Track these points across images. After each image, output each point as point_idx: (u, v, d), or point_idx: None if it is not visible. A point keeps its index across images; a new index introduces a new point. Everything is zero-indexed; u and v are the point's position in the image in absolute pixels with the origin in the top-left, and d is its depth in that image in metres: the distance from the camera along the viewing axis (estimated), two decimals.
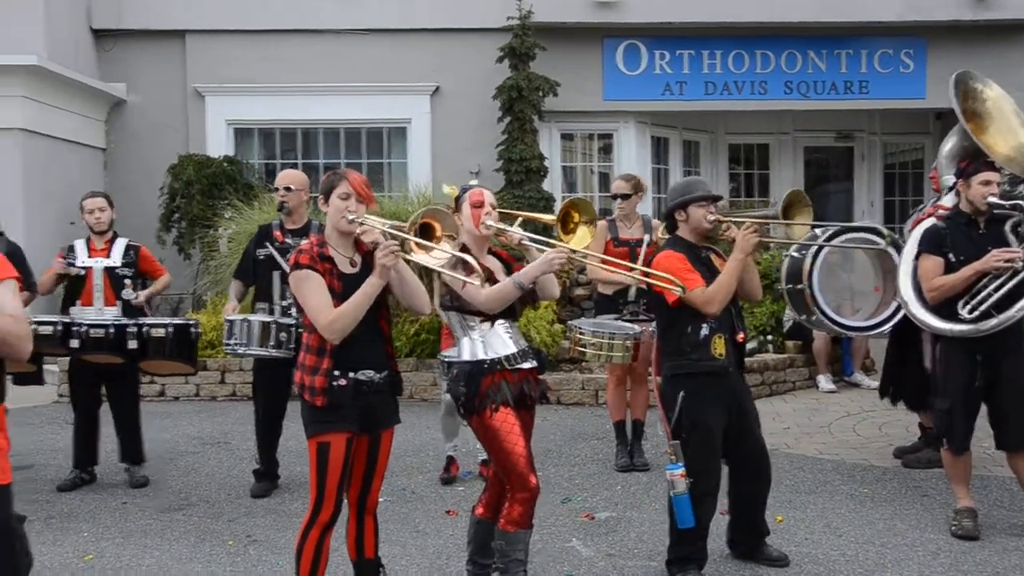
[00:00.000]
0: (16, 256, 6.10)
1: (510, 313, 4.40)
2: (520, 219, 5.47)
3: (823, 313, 6.45)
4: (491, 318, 4.30)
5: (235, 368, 10.06)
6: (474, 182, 5.34)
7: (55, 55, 12.11)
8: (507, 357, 4.32)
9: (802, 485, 6.62)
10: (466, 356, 4.35)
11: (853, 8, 12.78)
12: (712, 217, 4.90)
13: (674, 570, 4.88)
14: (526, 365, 4.40)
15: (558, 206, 9.32)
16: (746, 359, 5.63)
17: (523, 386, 4.39)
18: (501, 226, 4.46)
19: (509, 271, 4.47)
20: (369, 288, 3.93)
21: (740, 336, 4.97)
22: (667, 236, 5.15)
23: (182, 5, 13.31)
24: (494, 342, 4.33)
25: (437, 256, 4.02)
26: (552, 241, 4.51)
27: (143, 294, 6.95)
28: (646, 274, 4.88)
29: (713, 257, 5.01)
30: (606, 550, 5.42)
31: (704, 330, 4.78)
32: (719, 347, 4.81)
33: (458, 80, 13.31)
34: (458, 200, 4.51)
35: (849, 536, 5.58)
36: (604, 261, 6.17)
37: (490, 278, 4.31)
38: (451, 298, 4.30)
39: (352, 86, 13.29)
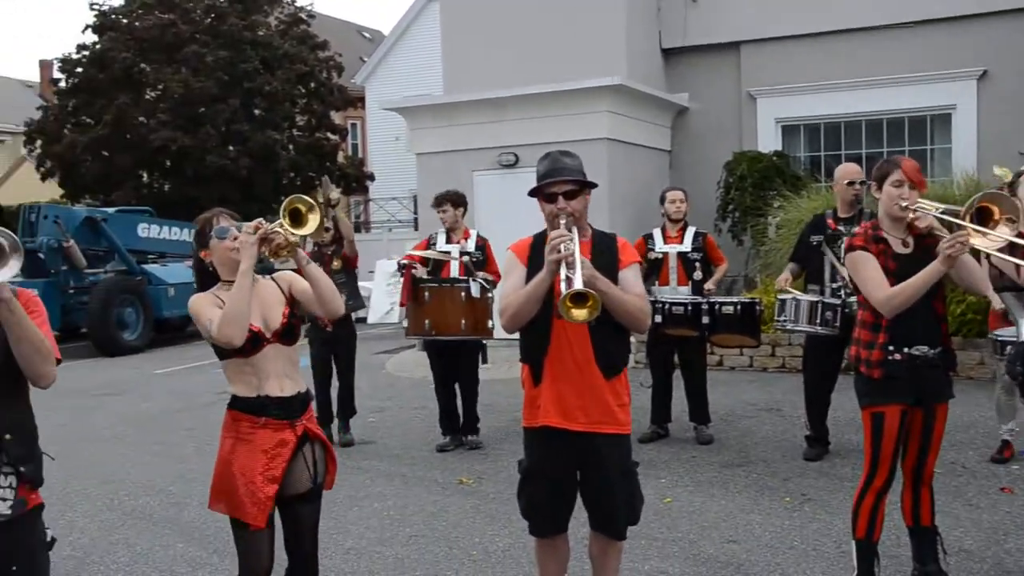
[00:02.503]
0: None
1: None
2: None
3: None
4: None
5: (784, 343, 10.08)
6: (997, 169, 4.84)
7: (633, 74, 12.98)
8: None
9: None
10: None
11: None
12: None
13: None
14: None
15: None
16: None
17: None
18: None
19: None
20: (929, 274, 3.71)
21: None
22: None
23: (738, 20, 13.55)
24: None
25: (993, 240, 3.70)
26: None
27: (713, 284, 7.17)
28: None
29: None
30: None
31: None
32: None
33: (1007, 62, 12.05)
34: (1011, 184, 4.12)
35: None
36: None
37: None
38: (1006, 279, 3.95)
39: (896, 78, 12.61)
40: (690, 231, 7.29)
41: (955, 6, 12.27)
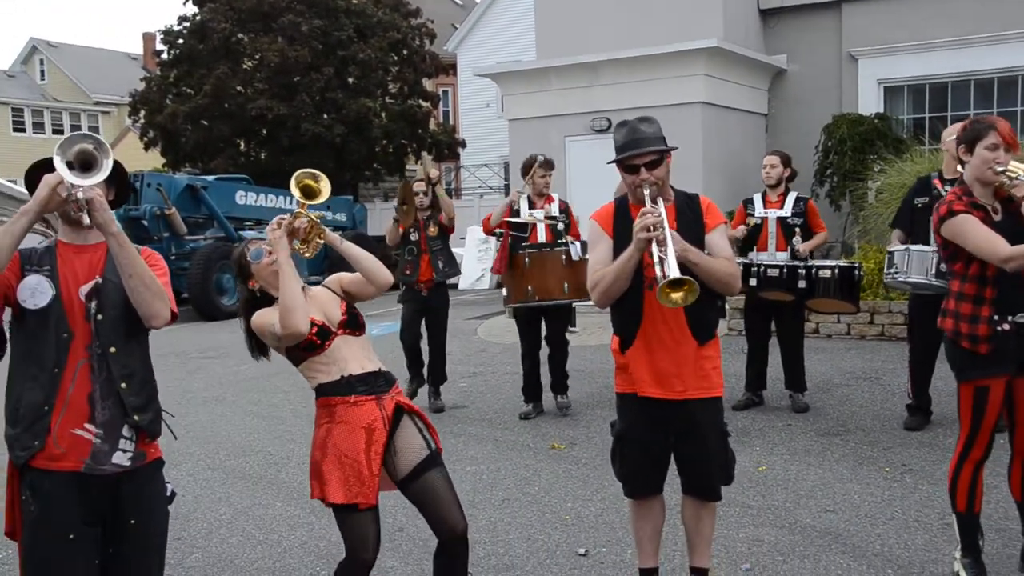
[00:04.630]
0: None
1: None
2: None
3: None
4: None
5: (884, 310, 9.79)
6: None
7: (729, 36, 12.70)
8: None
9: None
10: None
11: None
12: None
13: None
14: None
15: None
16: None
17: None
18: None
19: None
20: None
21: None
22: None
23: None
24: None
25: None
26: None
27: (805, 246, 6.94)
28: None
29: None
30: None
31: None
32: None
33: None
34: None
35: None
36: None
37: None
38: None
39: (1005, 35, 12.04)
40: (791, 196, 7.09)
41: None
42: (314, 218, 3.43)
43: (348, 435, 3.30)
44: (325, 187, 3.44)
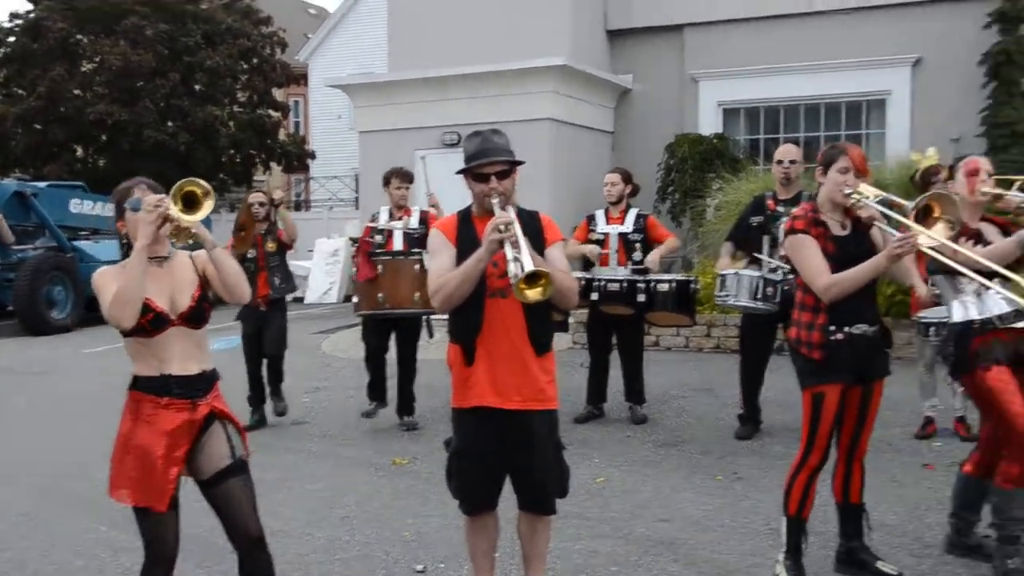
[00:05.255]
0: None
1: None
2: (1018, 184, 4.91)
3: None
4: (986, 278, 3.93)
5: (720, 323, 10.15)
6: (931, 151, 4.91)
7: (577, 55, 12.94)
8: (1000, 316, 3.97)
9: None
10: (956, 317, 4.07)
11: None
12: None
13: None
14: (1022, 324, 3.98)
15: None
16: None
17: (1018, 345, 4.00)
18: (997, 191, 4.08)
19: (1006, 235, 4.06)
20: (872, 267, 3.74)
21: None
22: None
23: (681, 2, 13.56)
24: (986, 303, 3.99)
25: (929, 238, 3.71)
26: None
27: (655, 255, 7.00)
28: None
29: None
30: None
31: None
32: None
33: (941, 49, 12.22)
34: (929, 171, 4.20)
35: None
36: None
37: (978, 240, 3.95)
38: (938, 263, 3.99)
39: (834, 63, 12.73)
40: (632, 212, 7.26)
41: None
42: (185, 228, 3.22)
43: (149, 437, 3.20)
44: (208, 206, 3.23)
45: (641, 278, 6.93)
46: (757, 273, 6.36)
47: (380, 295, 6.94)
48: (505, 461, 3.65)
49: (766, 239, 6.46)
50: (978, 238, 4.04)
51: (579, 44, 13.25)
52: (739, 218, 6.96)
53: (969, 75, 11.83)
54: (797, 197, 6.37)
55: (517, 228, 3.35)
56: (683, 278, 7.10)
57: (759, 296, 6.30)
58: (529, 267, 3.23)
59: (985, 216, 4.25)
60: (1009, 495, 3.93)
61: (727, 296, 6.44)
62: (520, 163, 3.63)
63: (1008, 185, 4.61)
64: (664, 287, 6.89)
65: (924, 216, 3.73)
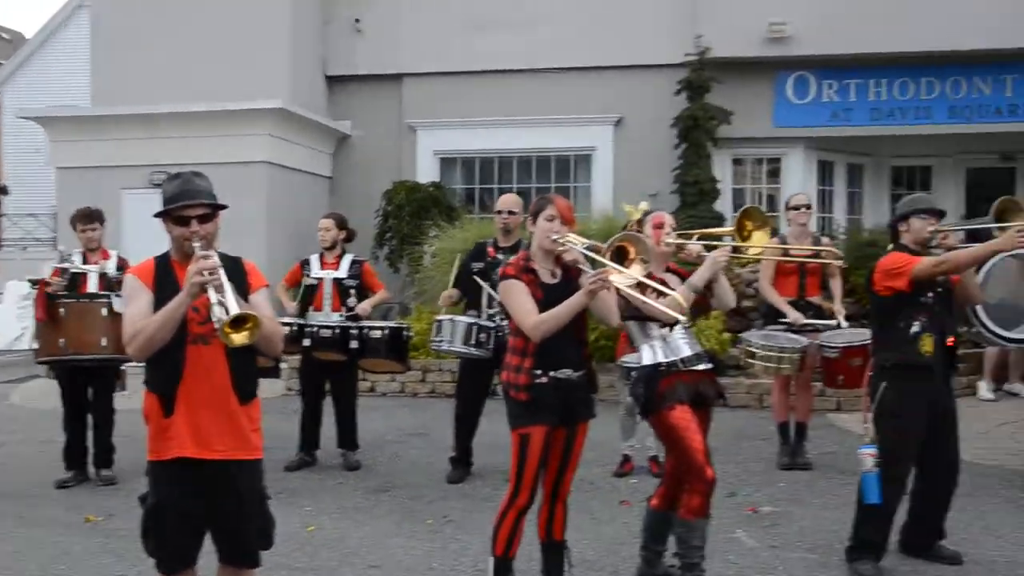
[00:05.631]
0: None
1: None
2: (697, 236, 5.39)
3: (983, 325, 5.95)
4: (669, 325, 4.27)
5: (435, 368, 10.29)
6: (644, 204, 5.33)
7: (295, 99, 12.80)
8: (683, 359, 4.34)
9: (960, 488, 6.17)
10: (646, 360, 4.39)
11: (1021, 35, 11.90)
12: (932, 228, 4.76)
13: (853, 556, 4.72)
14: (702, 367, 4.39)
15: (728, 225, 9.13)
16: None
17: (699, 386, 4.38)
18: (679, 242, 4.50)
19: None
20: (573, 304, 3.95)
21: (950, 340, 4.75)
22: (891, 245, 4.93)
23: (401, 53, 13.78)
24: (671, 346, 4.34)
25: (627, 278, 3.99)
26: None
27: (365, 305, 7.09)
28: None
29: None
30: (769, 541, 5.28)
31: (915, 327, 4.64)
32: (927, 345, 4.65)
33: (639, 111, 13.24)
34: (640, 221, 4.55)
35: (1010, 539, 5.23)
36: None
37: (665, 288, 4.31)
38: (631, 309, 4.29)
39: (544, 118, 13.42)
40: (347, 258, 7.24)
41: (594, 57, 13.28)
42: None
43: None
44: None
45: (354, 324, 6.90)
46: (472, 319, 6.50)
47: (62, 340, 6.45)
48: (207, 514, 3.49)
49: (486, 286, 6.62)
50: (664, 286, 4.38)
51: (298, 88, 13.12)
52: (462, 264, 7.08)
53: (664, 135, 12.86)
54: (516, 245, 6.57)
55: (221, 271, 3.26)
56: (396, 325, 7.16)
57: (472, 342, 6.43)
58: (235, 310, 3.14)
59: (670, 266, 4.64)
60: (690, 525, 4.24)
61: (441, 342, 6.53)
62: (223, 207, 3.53)
63: (689, 237, 5.06)
64: (377, 334, 6.90)
65: (621, 258, 4.01)
